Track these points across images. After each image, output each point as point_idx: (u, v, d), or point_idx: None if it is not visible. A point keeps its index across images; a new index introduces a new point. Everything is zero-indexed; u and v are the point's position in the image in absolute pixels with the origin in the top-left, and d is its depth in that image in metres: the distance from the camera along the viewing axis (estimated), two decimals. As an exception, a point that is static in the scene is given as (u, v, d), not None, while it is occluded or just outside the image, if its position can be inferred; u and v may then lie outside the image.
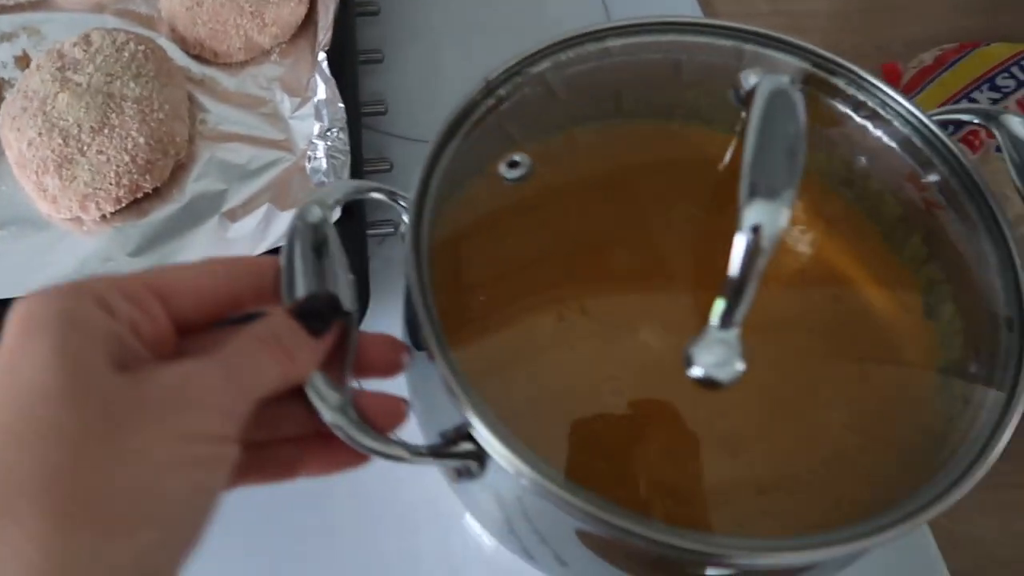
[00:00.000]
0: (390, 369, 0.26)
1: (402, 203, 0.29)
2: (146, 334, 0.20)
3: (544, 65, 0.33)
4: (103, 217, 0.41)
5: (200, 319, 0.22)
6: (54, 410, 0.17)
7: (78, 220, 0.41)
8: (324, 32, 0.45)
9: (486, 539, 0.38)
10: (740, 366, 0.23)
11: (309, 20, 0.48)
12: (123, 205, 0.41)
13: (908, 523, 0.23)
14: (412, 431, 0.26)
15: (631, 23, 0.34)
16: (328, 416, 0.23)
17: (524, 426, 0.24)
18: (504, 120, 0.33)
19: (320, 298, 0.23)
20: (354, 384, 0.24)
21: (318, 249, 0.26)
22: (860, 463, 0.27)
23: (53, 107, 0.41)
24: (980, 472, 0.23)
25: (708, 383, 0.23)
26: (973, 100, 0.45)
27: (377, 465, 0.24)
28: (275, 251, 0.39)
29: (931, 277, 0.32)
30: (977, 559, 0.40)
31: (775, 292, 0.33)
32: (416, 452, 0.24)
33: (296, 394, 0.23)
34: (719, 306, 0.23)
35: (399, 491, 0.38)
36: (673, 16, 0.35)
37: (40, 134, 0.40)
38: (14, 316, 0.19)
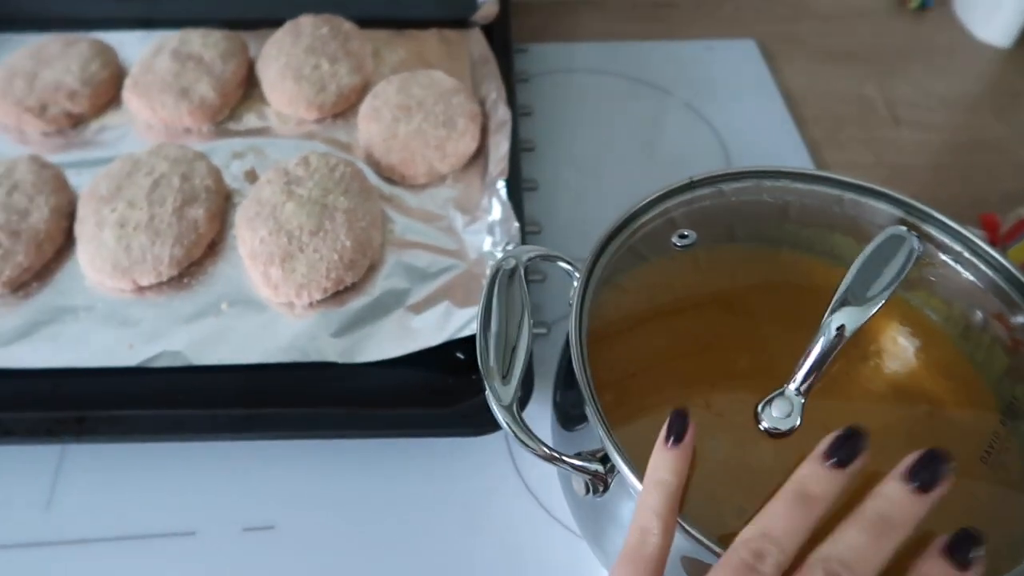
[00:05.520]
0: None
1: (576, 275, 0.37)
2: None
3: (672, 201, 0.40)
4: (311, 304, 0.49)
5: None
6: None
7: (290, 305, 0.49)
8: (497, 164, 0.54)
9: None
10: (798, 421, 0.32)
11: (478, 153, 0.58)
12: (327, 295, 0.49)
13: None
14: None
15: (750, 169, 0.41)
16: (498, 411, 0.32)
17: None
18: (638, 243, 0.40)
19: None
20: None
21: (510, 290, 0.35)
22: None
23: (281, 213, 0.50)
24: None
25: (774, 432, 0.32)
26: (1067, 250, 0.50)
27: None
28: (456, 341, 0.46)
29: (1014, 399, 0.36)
30: None
31: (877, 405, 0.38)
32: (559, 456, 0.32)
33: None
34: (800, 376, 0.31)
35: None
36: (785, 166, 0.42)
37: (270, 233, 0.49)
38: None
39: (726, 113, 0.67)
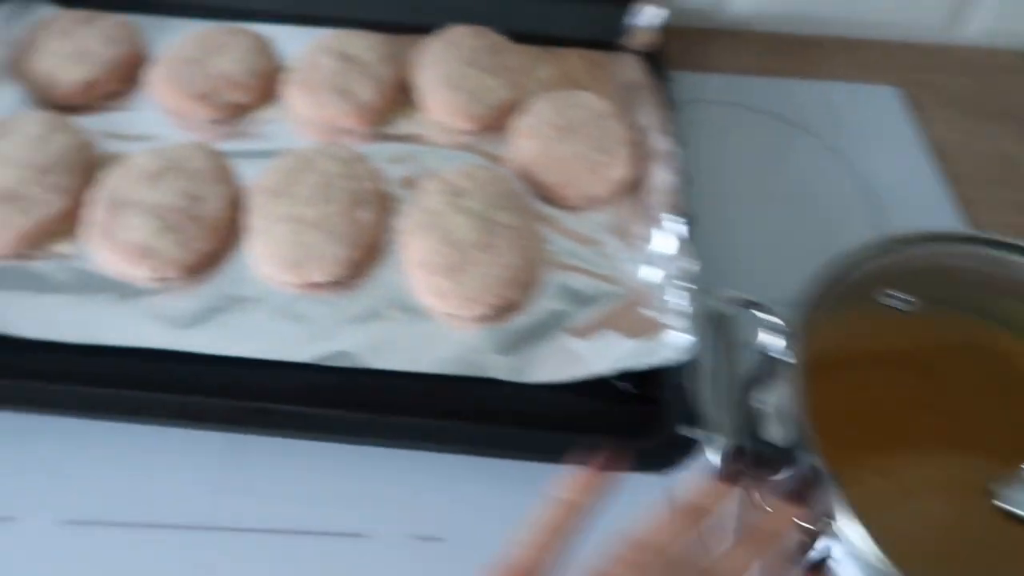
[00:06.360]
0: None
1: (780, 330, 0.37)
2: None
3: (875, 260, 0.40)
4: (474, 318, 0.50)
5: None
6: None
7: (454, 317, 0.50)
8: (660, 194, 0.54)
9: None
10: None
11: (631, 180, 0.58)
12: (491, 312, 0.50)
13: None
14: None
15: (963, 234, 0.41)
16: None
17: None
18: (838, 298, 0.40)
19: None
20: None
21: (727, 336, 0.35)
22: None
23: (449, 224, 0.51)
24: None
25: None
26: None
27: None
28: (619, 376, 0.46)
29: None
30: None
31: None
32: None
33: None
34: None
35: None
36: (979, 232, 0.42)
37: (440, 243, 0.50)
38: None
39: (871, 160, 0.66)
